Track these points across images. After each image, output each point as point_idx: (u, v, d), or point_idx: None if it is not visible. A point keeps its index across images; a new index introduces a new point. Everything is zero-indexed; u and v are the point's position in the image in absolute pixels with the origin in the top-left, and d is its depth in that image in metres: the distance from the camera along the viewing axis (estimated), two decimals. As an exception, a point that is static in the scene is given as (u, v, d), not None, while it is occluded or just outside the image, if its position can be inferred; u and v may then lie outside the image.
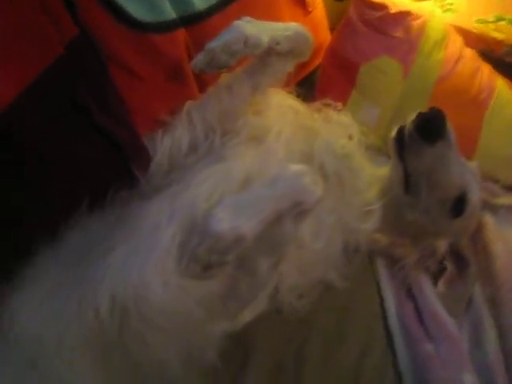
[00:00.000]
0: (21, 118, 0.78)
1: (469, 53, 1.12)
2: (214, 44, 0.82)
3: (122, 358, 0.77)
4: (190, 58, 0.95)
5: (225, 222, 0.71)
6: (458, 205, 0.93)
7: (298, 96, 1.00)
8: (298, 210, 0.76)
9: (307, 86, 1.12)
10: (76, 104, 0.82)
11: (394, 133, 0.95)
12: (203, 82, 0.97)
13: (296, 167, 0.78)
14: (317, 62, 1.15)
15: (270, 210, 0.74)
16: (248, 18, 0.85)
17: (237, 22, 0.84)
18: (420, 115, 0.89)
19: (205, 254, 0.72)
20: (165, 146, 0.90)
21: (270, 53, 0.87)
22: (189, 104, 0.92)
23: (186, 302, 0.77)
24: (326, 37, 1.19)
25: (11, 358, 0.77)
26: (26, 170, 0.80)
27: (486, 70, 1.12)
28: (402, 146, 0.93)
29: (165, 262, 0.75)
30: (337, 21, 1.17)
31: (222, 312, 0.84)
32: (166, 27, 0.90)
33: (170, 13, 0.91)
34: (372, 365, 0.92)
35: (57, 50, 0.82)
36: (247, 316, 0.91)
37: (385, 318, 0.96)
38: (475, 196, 0.94)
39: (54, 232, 0.83)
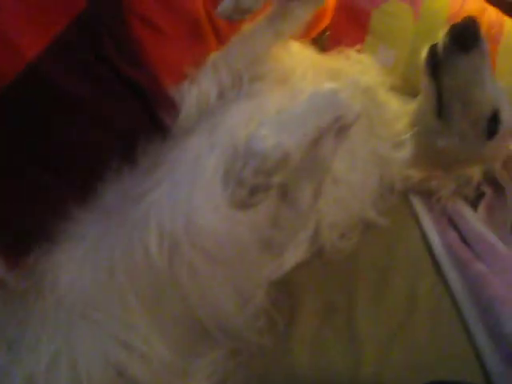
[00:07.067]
0: (48, 68, 0.80)
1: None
2: None
3: (174, 295, 0.75)
4: (208, 13, 0.97)
5: (268, 139, 0.70)
6: (492, 125, 0.92)
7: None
8: (339, 126, 0.76)
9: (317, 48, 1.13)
10: (99, 55, 0.84)
11: (424, 53, 0.95)
12: (222, 39, 0.98)
13: (331, 85, 0.78)
14: (326, 22, 1.18)
15: (311, 125, 0.73)
16: None
17: None
18: (453, 25, 0.89)
19: (250, 177, 0.71)
20: (192, 95, 0.90)
21: None
22: (213, 54, 0.93)
23: (236, 230, 0.76)
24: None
25: (58, 315, 0.75)
26: (53, 120, 0.80)
27: (491, 9, 1.15)
28: (435, 64, 0.93)
29: (212, 188, 0.74)
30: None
31: (269, 248, 0.82)
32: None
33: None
34: (425, 296, 0.90)
35: (80, 5, 0.84)
36: (290, 260, 0.90)
37: (430, 249, 0.95)
38: (508, 115, 0.93)
39: (87, 189, 0.81)
